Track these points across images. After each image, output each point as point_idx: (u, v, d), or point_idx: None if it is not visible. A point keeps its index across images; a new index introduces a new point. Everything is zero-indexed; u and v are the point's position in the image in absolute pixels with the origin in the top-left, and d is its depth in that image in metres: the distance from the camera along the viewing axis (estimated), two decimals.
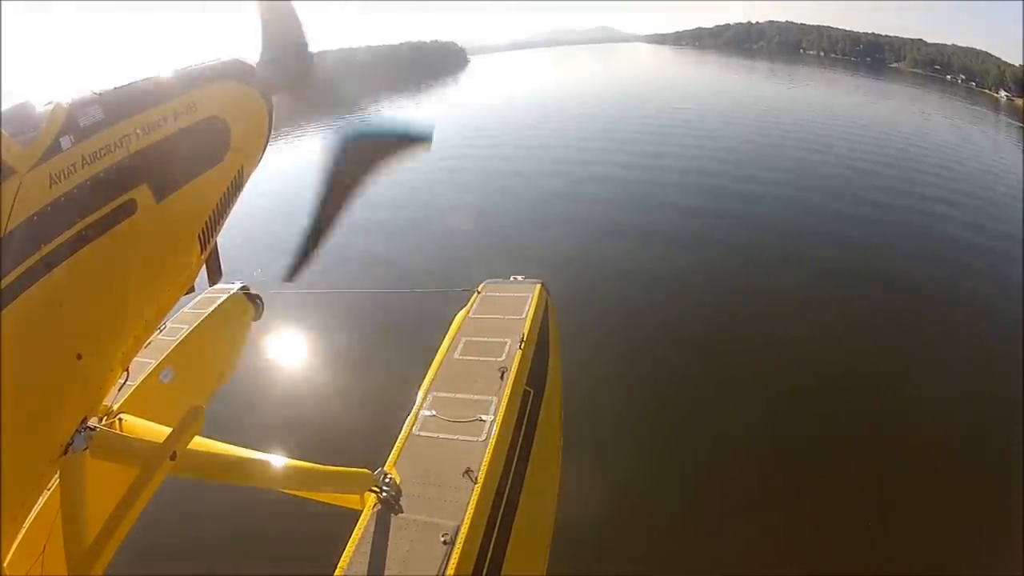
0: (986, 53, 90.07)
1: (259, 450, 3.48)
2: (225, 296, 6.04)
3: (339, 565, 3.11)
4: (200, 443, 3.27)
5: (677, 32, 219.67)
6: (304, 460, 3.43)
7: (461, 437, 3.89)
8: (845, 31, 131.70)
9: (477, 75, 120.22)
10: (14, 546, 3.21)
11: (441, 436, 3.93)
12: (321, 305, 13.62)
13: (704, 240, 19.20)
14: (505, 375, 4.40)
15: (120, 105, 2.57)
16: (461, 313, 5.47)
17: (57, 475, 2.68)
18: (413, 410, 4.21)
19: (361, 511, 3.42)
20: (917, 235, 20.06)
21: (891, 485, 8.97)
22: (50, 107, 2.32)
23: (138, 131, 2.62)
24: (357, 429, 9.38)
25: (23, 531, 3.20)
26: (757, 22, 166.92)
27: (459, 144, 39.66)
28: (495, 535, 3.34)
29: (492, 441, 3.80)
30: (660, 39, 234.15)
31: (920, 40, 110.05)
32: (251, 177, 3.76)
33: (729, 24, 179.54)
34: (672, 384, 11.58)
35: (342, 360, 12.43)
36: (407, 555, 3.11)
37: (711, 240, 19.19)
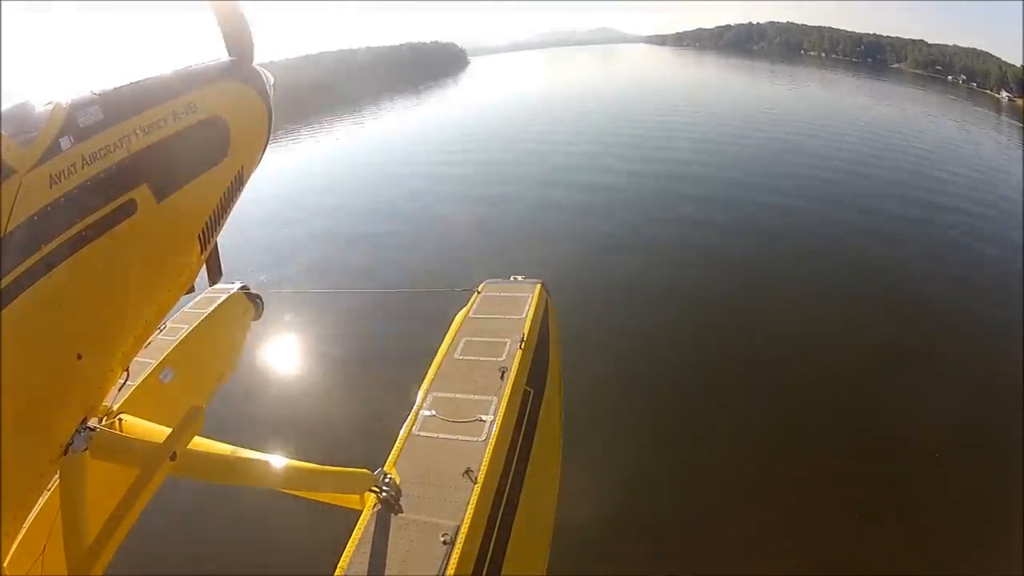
0: (987, 54, 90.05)
1: (259, 450, 3.48)
2: (225, 296, 6.03)
3: (339, 565, 3.11)
4: (200, 443, 3.26)
5: (678, 33, 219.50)
6: (304, 460, 3.43)
7: (461, 437, 3.88)
8: (846, 32, 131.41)
9: (477, 76, 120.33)
10: (14, 546, 3.20)
11: (441, 436, 3.93)
12: (321, 305, 13.63)
13: (703, 240, 19.21)
14: (505, 375, 4.40)
15: (120, 105, 2.57)
16: (461, 313, 5.46)
17: (57, 475, 2.68)
18: (413, 410, 4.21)
19: (361, 511, 3.42)
20: (917, 235, 20.06)
21: (891, 485, 8.97)
22: (50, 107, 2.32)
23: (138, 131, 2.62)
24: (357, 429, 9.38)
25: (23, 531, 3.20)
26: (758, 23, 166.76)
27: (459, 144, 39.75)
28: (495, 535, 3.33)
29: (492, 441, 3.80)
30: (661, 40, 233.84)
31: (922, 41, 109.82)
32: (251, 177, 3.76)
33: (730, 25, 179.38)
34: (672, 383, 11.59)
35: (342, 360, 12.43)
36: (407, 555, 3.11)
37: (710, 240, 19.20)
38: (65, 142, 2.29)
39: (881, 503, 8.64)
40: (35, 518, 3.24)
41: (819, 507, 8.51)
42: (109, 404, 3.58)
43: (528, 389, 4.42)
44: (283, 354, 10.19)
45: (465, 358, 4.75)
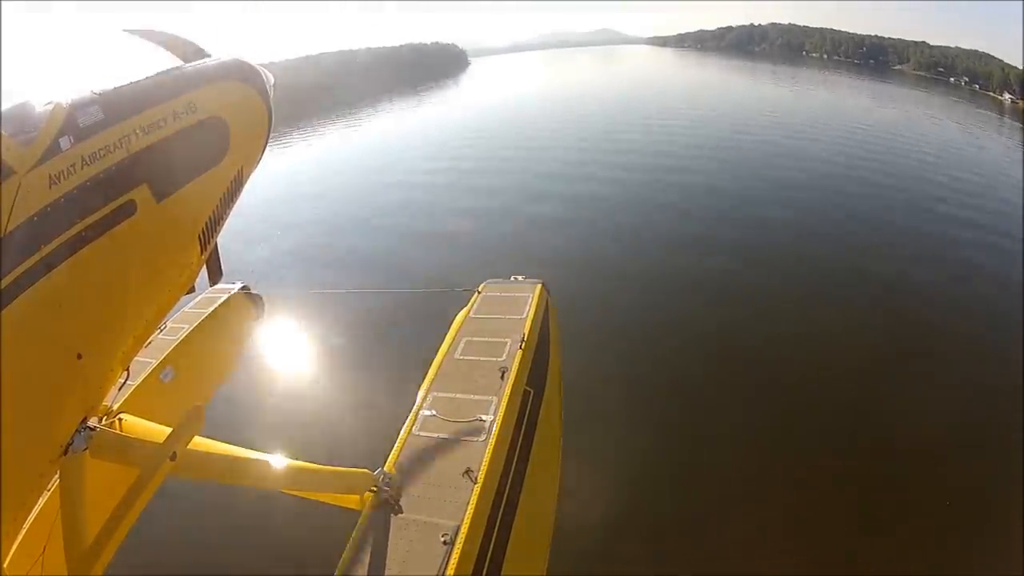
0: (988, 55, 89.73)
1: (259, 450, 3.48)
2: (225, 296, 6.03)
3: (339, 565, 3.11)
4: (200, 443, 3.26)
5: (679, 34, 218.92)
6: (304, 460, 3.43)
7: (461, 437, 3.88)
8: (848, 33, 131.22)
9: (477, 77, 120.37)
10: (14, 546, 3.20)
11: (441, 436, 3.93)
12: (321, 305, 13.62)
13: (704, 242, 19.19)
14: (505, 375, 4.39)
15: (120, 105, 2.57)
16: (461, 313, 5.46)
17: (57, 475, 2.68)
18: (413, 410, 4.21)
19: (361, 511, 3.42)
20: (917, 235, 20.03)
21: (891, 485, 8.96)
22: (50, 107, 2.32)
23: (138, 131, 2.62)
24: (357, 429, 9.37)
25: (23, 531, 3.19)
26: (759, 24, 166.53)
27: (460, 144, 39.76)
28: (495, 535, 3.33)
29: (492, 441, 3.79)
30: (662, 41, 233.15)
31: (924, 43, 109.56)
32: (251, 178, 3.76)
33: (731, 26, 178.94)
34: (672, 384, 11.58)
35: (342, 360, 12.42)
36: (407, 555, 3.11)
37: (711, 241, 19.17)
38: (65, 142, 2.29)
39: (881, 503, 8.62)
40: (35, 518, 3.23)
41: (819, 507, 8.49)
42: (109, 404, 3.58)
43: (528, 389, 4.42)
44: (283, 354, 10.15)
45: (465, 358, 4.75)
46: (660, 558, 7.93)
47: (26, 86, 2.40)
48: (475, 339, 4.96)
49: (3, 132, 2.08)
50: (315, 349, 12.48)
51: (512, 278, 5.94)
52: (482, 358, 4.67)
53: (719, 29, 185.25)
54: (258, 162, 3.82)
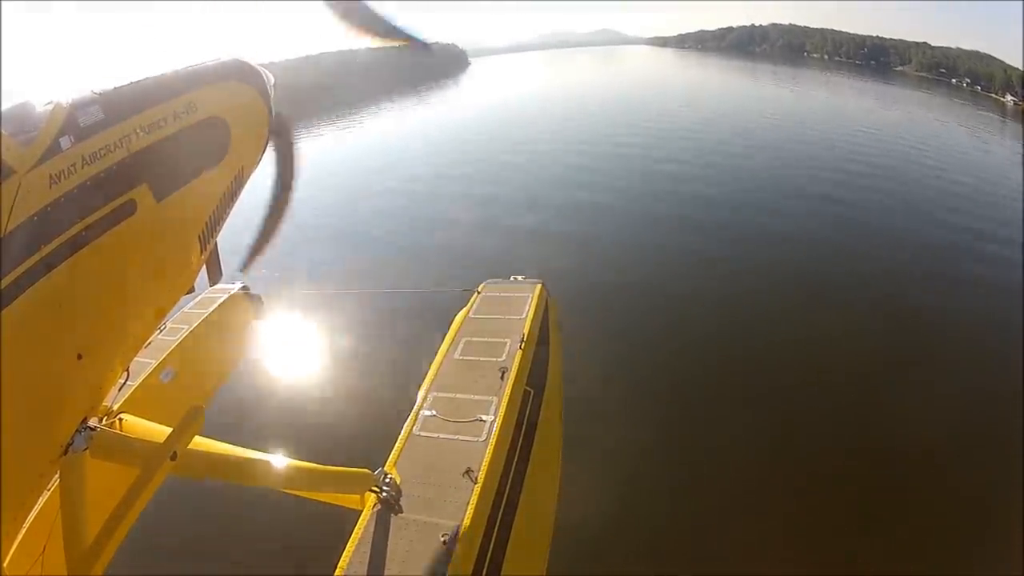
0: (990, 56, 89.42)
1: (259, 450, 3.48)
2: (225, 296, 6.04)
3: (339, 565, 3.11)
4: (200, 443, 3.26)
5: (680, 35, 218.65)
6: (304, 460, 3.43)
7: (461, 437, 3.88)
8: (849, 34, 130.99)
9: (477, 77, 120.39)
10: (14, 546, 3.21)
11: (441, 436, 3.93)
12: (321, 305, 13.61)
13: (704, 245, 19.17)
14: (505, 375, 4.40)
15: (120, 105, 2.58)
16: (461, 313, 5.46)
17: (57, 475, 2.68)
18: (413, 410, 4.21)
19: (361, 511, 3.42)
20: (918, 238, 20.04)
21: (892, 486, 8.96)
22: (50, 107, 2.33)
23: (138, 131, 2.62)
24: (357, 429, 9.37)
25: (23, 531, 3.20)
26: (760, 25, 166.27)
27: (459, 145, 39.78)
28: (495, 535, 3.34)
29: (492, 441, 3.80)
30: (662, 42, 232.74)
31: (925, 44, 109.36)
32: (251, 177, 3.76)
33: (732, 27, 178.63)
34: (671, 387, 11.57)
35: (342, 360, 12.42)
36: (407, 555, 3.11)
37: (711, 245, 19.16)
38: (65, 142, 2.30)
39: (881, 505, 8.61)
40: (35, 518, 3.24)
41: (819, 511, 8.48)
42: (109, 404, 3.58)
43: (528, 389, 4.42)
44: (283, 354, 10.15)
45: (465, 358, 4.75)
46: (660, 558, 7.93)
47: (26, 86, 2.41)
48: (475, 339, 4.96)
49: (3, 132, 2.08)
50: (315, 349, 12.45)
51: (512, 278, 5.94)
52: (482, 358, 4.67)
53: (720, 30, 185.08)
54: (258, 162, 3.82)
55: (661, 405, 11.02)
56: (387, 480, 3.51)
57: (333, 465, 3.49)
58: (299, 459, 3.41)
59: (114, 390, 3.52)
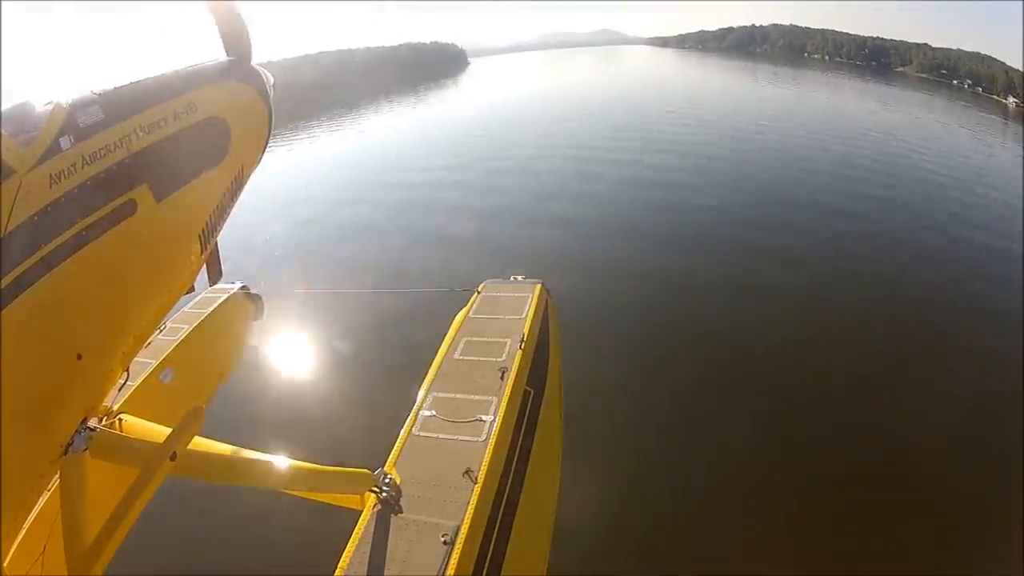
0: (991, 58, 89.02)
1: (259, 450, 3.48)
2: (225, 296, 6.03)
3: (339, 565, 3.11)
4: (200, 443, 3.26)
5: (680, 35, 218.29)
6: (304, 460, 3.43)
7: (461, 437, 3.88)
8: (850, 35, 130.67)
9: (477, 77, 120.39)
10: (14, 546, 3.20)
11: (441, 436, 3.93)
12: (321, 305, 13.62)
13: (704, 246, 19.18)
14: (505, 375, 4.39)
15: (120, 105, 2.58)
16: (461, 313, 5.45)
17: (57, 475, 2.68)
18: (413, 410, 4.20)
19: (361, 511, 3.42)
20: (918, 238, 20.04)
21: (892, 486, 8.96)
22: (50, 107, 2.32)
23: (138, 131, 2.62)
24: (357, 429, 9.37)
25: (23, 531, 3.19)
26: (761, 25, 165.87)
27: (459, 145, 39.78)
28: (495, 535, 3.33)
29: (492, 441, 3.79)
30: (663, 42, 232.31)
31: (926, 45, 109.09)
32: (251, 177, 3.76)
33: (733, 27, 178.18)
34: (671, 387, 11.58)
35: (342, 360, 12.43)
36: (407, 555, 3.11)
37: (711, 246, 19.17)
38: (65, 142, 2.29)
39: (882, 509, 8.60)
40: (35, 518, 3.23)
41: (819, 512, 8.49)
42: (109, 404, 3.58)
43: (528, 389, 4.42)
44: (283, 354, 10.17)
45: (465, 358, 4.74)
46: (660, 558, 7.93)
47: (26, 86, 2.41)
48: (475, 339, 4.96)
49: (3, 132, 2.08)
50: (315, 349, 12.49)
51: (512, 278, 5.93)
52: (482, 358, 4.67)
53: (720, 30, 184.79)
54: (258, 162, 3.82)
55: (661, 404, 11.03)
56: (387, 480, 3.51)
57: (333, 465, 3.49)
58: (299, 459, 3.41)
59: (114, 390, 3.51)
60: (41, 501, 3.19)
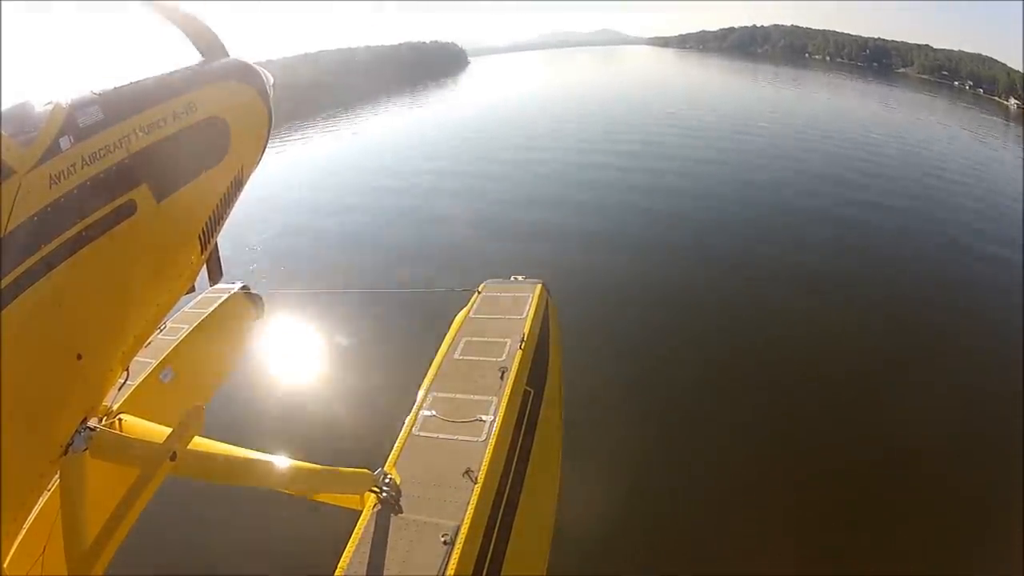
0: (992, 59, 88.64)
1: (259, 450, 3.48)
2: (225, 296, 6.04)
3: (339, 565, 3.10)
4: (200, 443, 3.26)
5: (681, 35, 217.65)
6: (304, 460, 3.43)
7: (461, 437, 3.88)
8: (851, 36, 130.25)
9: (477, 76, 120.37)
10: (14, 546, 3.20)
11: (441, 436, 3.93)
12: (321, 305, 13.62)
13: (704, 246, 19.18)
14: (505, 375, 4.39)
15: (120, 105, 2.58)
16: (461, 313, 5.45)
17: (57, 475, 2.68)
18: (413, 410, 4.20)
19: (361, 511, 3.42)
20: (918, 239, 20.03)
21: (892, 486, 8.96)
22: (50, 107, 2.32)
23: (138, 131, 2.62)
24: (357, 429, 9.37)
25: (23, 531, 3.19)
26: (762, 25, 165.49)
27: (458, 145, 39.75)
28: (495, 535, 3.33)
29: (492, 441, 3.79)
30: (663, 42, 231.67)
31: (927, 46, 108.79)
32: (251, 177, 3.77)
33: (734, 27, 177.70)
34: (671, 386, 11.57)
35: (342, 360, 12.42)
36: (407, 555, 3.11)
37: (711, 246, 19.17)
38: (65, 142, 2.30)
39: (881, 509, 8.60)
40: (35, 518, 3.23)
41: (818, 509, 8.49)
42: (109, 404, 3.58)
43: (528, 389, 4.41)
44: (283, 354, 10.17)
45: (465, 358, 4.74)
46: (660, 557, 7.93)
47: (26, 86, 2.41)
48: (475, 339, 4.95)
49: (3, 132, 2.08)
50: (315, 349, 12.48)
51: (512, 278, 5.93)
52: (482, 358, 4.67)
53: (721, 30, 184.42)
54: (258, 162, 3.82)
55: (661, 404, 11.03)
56: (387, 480, 3.51)
57: (333, 465, 3.49)
58: (299, 459, 3.41)
59: (114, 390, 3.51)
60: (41, 501, 3.19)
